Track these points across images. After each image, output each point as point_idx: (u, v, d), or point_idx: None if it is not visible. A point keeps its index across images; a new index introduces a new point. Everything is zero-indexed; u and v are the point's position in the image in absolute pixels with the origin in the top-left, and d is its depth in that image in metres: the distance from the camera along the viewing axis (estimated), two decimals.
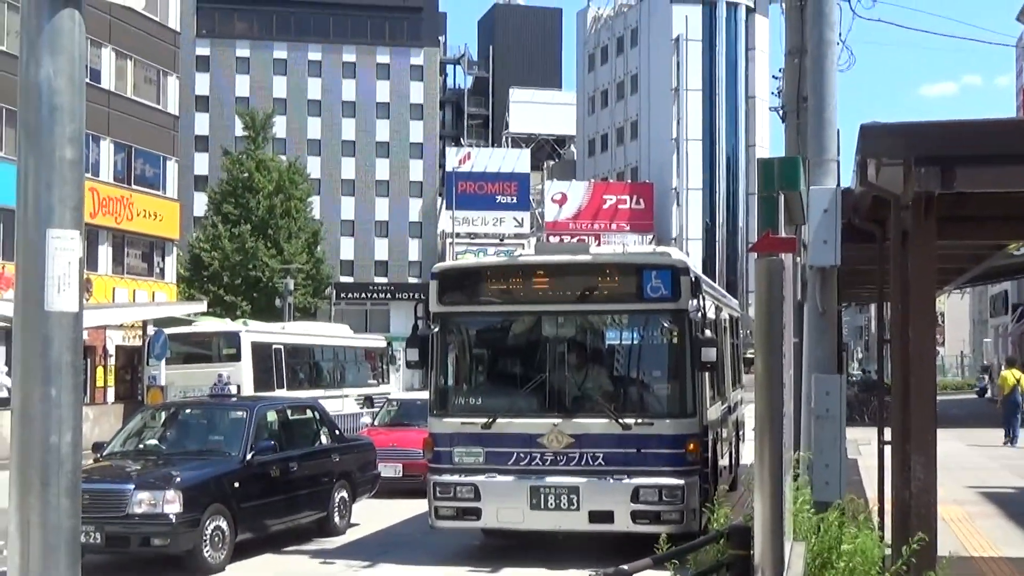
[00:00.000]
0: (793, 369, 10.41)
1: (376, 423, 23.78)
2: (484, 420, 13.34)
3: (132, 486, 12.31)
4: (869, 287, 16.55)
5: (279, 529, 14.55)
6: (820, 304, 10.14)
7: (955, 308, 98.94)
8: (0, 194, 37.92)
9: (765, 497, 5.76)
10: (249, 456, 13.63)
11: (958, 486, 19.96)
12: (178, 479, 12.48)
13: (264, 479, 13.89)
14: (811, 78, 10.56)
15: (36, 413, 3.53)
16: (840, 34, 20.10)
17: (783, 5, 12.95)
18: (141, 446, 15.01)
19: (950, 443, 29.80)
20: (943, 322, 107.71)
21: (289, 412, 16.40)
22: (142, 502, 12.07)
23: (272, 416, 15.51)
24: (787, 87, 13.23)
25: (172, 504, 12.02)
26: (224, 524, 12.74)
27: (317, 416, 16.66)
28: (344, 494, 15.78)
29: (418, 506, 15.47)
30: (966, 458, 24.93)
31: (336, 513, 15.48)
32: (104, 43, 50.59)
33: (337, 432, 17.02)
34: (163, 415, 16.18)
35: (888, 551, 9.22)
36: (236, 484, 13.28)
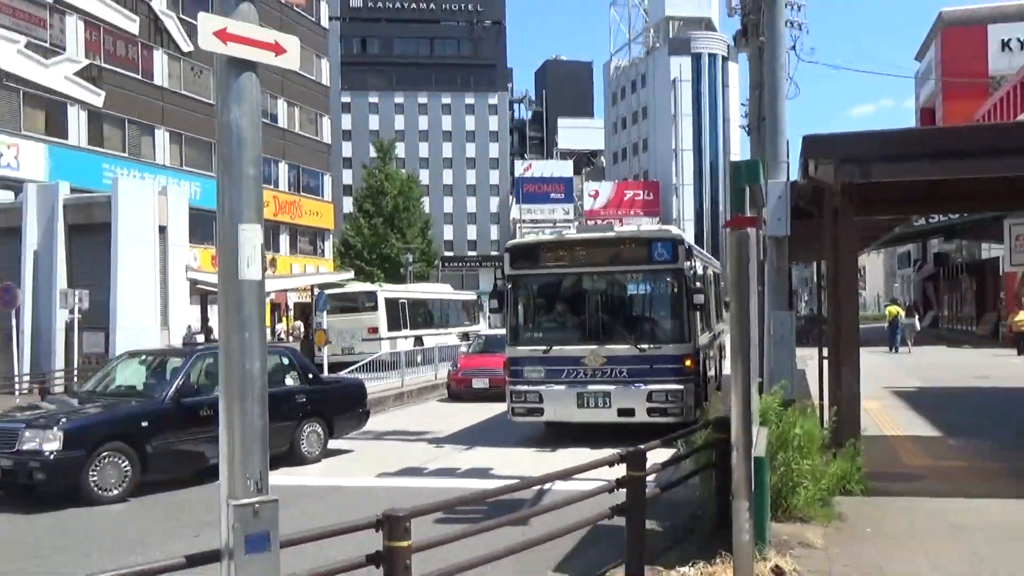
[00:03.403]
0: (759, 309, 10.30)
1: (470, 351, 23.57)
2: (544, 348, 13.42)
3: (23, 426, 10.34)
4: (811, 250, 16.31)
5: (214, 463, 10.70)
6: (776, 263, 10.02)
7: (873, 263, 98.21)
8: (202, 199, 38.86)
9: (738, 397, 5.72)
10: (169, 397, 11.06)
11: (877, 387, 19.64)
12: (63, 420, 10.37)
13: (192, 419, 11.03)
14: (767, 104, 10.36)
15: (235, 349, 3.59)
16: (788, 73, 19.49)
17: (748, 54, 12.65)
18: (99, 388, 12.38)
19: (868, 357, 29.41)
20: (865, 273, 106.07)
21: None
22: (28, 440, 10.12)
23: (213, 361, 11.81)
24: (751, 111, 12.98)
25: (51, 443, 10.00)
26: (123, 461, 10.39)
27: (286, 361, 13.33)
28: (316, 429, 12.82)
29: (499, 408, 15.54)
30: (881, 367, 24.52)
31: (304, 445, 12.57)
32: (279, 95, 50.94)
33: (311, 375, 13.58)
34: (132, 360, 13.03)
35: (826, 433, 9.13)
36: (145, 424, 10.75)
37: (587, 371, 13.16)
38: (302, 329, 37.47)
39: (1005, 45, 45.26)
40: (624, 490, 6.13)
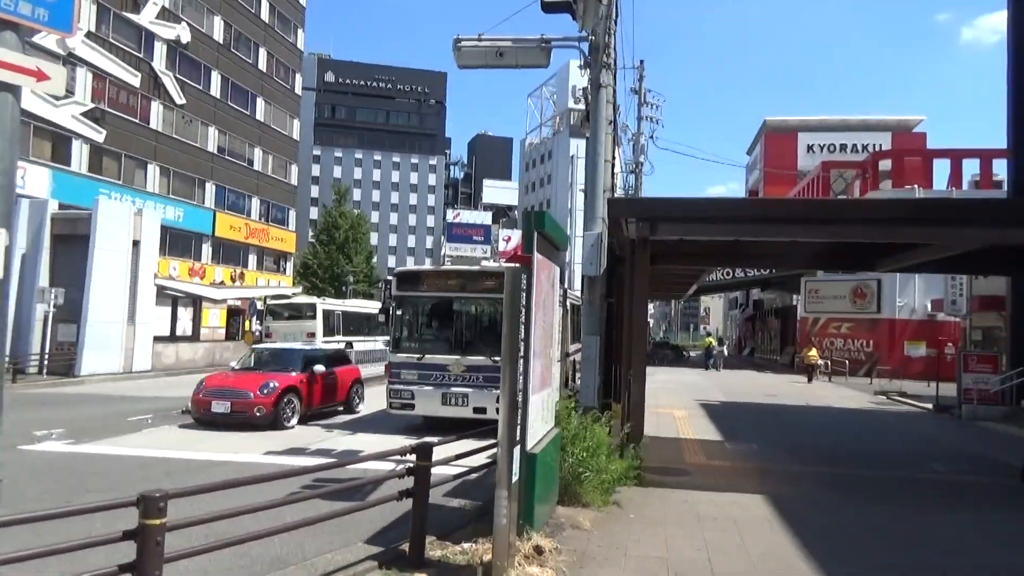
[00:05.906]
0: (567, 333, 9.95)
1: (237, 366, 14.69)
2: (418, 356, 12.87)
3: None
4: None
5: None
6: (589, 296, 9.74)
7: (716, 305, 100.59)
8: (185, 221, 36.53)
9: (505, 401, 5.32)
10: None
11: (690, 399, 19.62)
12: None
13: None
14: (588, 174, 10.16)
15: None
16: (646, 155, 19.18)
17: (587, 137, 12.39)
18: None
19: (691, 375, 29.69)
20: (709, 312, 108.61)
21: None
22: None
23: None
24: (587, 183, 12.80)
25: None
26: None
27: None
28: None
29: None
30: (698, 383, 24.66)
31: None
32: (256, 145, 49.44)
33: None
34: None
35: (624, 433, 8.85)
36: None
37: (451, 376, 12.68)
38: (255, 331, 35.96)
39: (810, 148, 46.93)
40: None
